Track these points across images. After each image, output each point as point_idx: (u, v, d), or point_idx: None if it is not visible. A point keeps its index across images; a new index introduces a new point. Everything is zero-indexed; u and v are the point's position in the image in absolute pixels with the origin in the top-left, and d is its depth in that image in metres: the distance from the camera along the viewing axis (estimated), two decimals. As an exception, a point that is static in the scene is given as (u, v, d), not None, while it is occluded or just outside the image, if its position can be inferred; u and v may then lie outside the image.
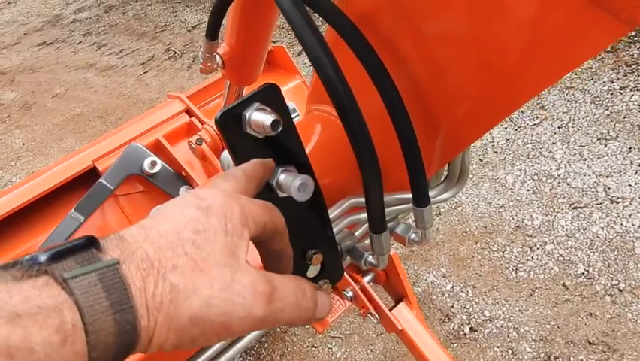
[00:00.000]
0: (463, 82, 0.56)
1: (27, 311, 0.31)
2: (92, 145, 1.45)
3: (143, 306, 0.36)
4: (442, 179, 0.74)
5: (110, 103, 3.91)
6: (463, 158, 0.71)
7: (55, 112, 4.00)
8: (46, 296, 0.33)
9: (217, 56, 0.89)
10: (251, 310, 0.39)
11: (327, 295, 0.50)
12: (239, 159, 0.53)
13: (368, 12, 0.60)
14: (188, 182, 1.47)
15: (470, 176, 2.24)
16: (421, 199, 0.62)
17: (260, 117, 0.51)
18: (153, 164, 1.40)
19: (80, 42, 5.34)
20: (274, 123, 0.50)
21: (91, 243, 0.37)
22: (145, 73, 4.24)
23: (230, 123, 0.52)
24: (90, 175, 1.39)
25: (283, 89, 1.78)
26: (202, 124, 1.53)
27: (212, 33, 0.82)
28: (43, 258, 0.35)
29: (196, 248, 0.39)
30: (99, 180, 1.34)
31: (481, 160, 2.33)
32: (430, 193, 0.71)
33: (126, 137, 1.45)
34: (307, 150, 0.79)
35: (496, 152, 2.34)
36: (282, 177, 0.54)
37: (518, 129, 2.42)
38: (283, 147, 0.56)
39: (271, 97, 0.53)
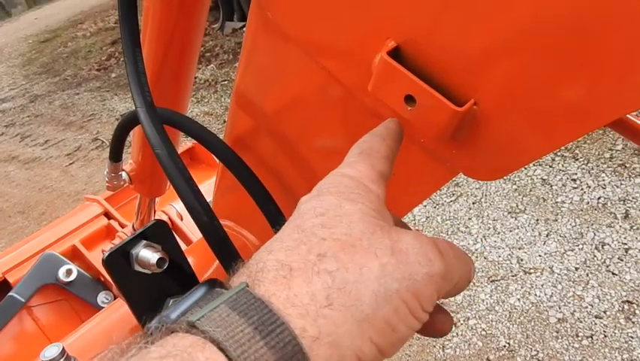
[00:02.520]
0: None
1: None
2: (2, 256, 1.41)
3: (303, 315, 0.28)
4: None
5: (33, 197, 3.79)
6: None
7: (-27, 209, 3.84)
8: (170, 346, 0.27)
9: (123, 173, 0.92)
10: (430, 265, 0.32)
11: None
12: (129, 297, 0.55)
13: (250, 138, 0.66)
14: (107, 287, 1.45)
15: (395, 255, 2.31)
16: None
17: (146, 255, 0.54)
18: (69, 272, 1.37)
19: (2, 133, 5.22)
20: (160, 261, 0.53)
21: (212, 285, 0.32)
22: (71, 164, 4.17)
23: (118, 263, 0.54)
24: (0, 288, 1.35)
25: (206, 184, 1.82)
26: (122, 227, 1.53)
27: (116, 155, 0.85)
28: (170, 318, 0.29)
29: (330, 229, 0.32)
30: (9, 294, 1.30)
31: (404, 239, 2.41)
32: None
33: (40, 245, 1.43)
34: (211, 269, 0.82)
35: (417, 229, 2.45)
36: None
37: (437, 207, 2.55)
38: (174, 280, 0.58)
39: (158, 233, 0.56)
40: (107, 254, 0.53)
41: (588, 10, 0.29)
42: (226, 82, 4.73)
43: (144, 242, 0.55)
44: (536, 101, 0.36)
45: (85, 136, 4.62)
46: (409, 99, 0.40)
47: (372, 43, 0.41)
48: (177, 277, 0.58)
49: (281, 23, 0.46)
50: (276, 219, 0.61)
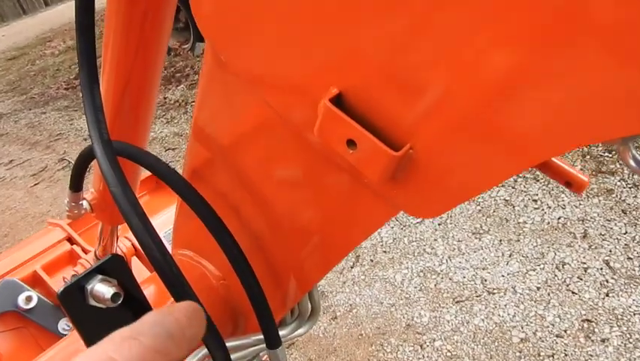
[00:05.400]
0: (295, 231, 0.63)
1: None
2: (-40, 284, 1.38)
3: None
4: (296, 315, 0.80)
5: (-4, 219, 3.71)
6: (312, 295, 0.77)
7: None
8: None
9: (84, 202, 0.92)
10: None
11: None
12: (83, 331, 0.56)
13: (207, 171, 0.67)
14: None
15: (363, 277, 2.33)
16: (271, 342, 0.67)
17: (101, 290, 0.54)
18: (29, 299, 1.35)
19: (-35, 153, 5.09)
20: (114, 296, 0.54)
21: None
22: (36, 184, 4.09)
23: (74, 297, 0.54)
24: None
25: (169, 210, 1.79)
26: (85, 253, 1.51)
27: (77, 185, 0.85)
28: None
29: None
30: (-34, 323, 1.27)
31: (372, 260, 2.44)
32: (284, 331, 0.76)
33: None
34: (171, 298, 0.82)
35: (385, 251, 2.47)
36: (128, 341, 0.57)
37: (404, 228, 2.58)
38: (130, 313, 0.59)
39: (115, 268, 0.57)
40: (61, 289, 0.54)
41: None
42: (196, 102, 4.72)
43: (100, 277, 0.55)
44: (468, 148, 0.39)
45: (51, 156, 4.55)
46: (351, 143, 0.42)
47: (316, 90, 0.43)
48: (133, 310, 0.59)
49: (230, 63, 0.48)
50: (231, 250, 0.62)
